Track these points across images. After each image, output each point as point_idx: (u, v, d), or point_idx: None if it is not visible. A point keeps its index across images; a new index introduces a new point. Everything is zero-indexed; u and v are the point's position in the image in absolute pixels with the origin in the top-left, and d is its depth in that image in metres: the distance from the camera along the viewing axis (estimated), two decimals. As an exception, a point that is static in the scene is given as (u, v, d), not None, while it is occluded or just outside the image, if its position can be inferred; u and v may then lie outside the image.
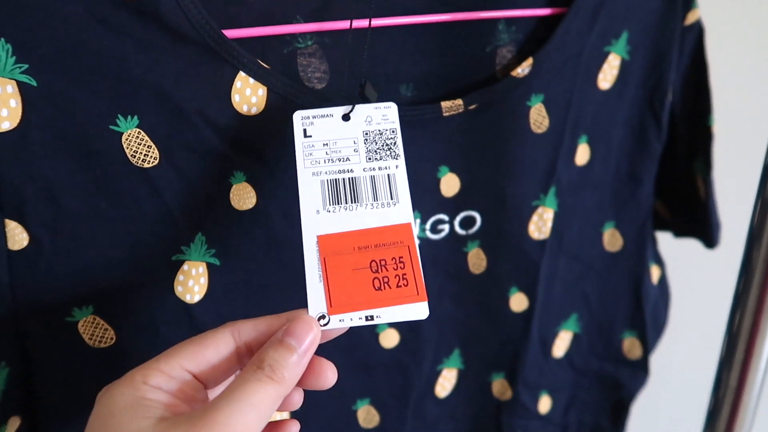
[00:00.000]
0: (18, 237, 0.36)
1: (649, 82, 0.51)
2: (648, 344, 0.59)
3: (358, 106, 0.38)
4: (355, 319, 0.34)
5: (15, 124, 0.35)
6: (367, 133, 0.38)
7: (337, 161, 0.38)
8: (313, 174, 0.37)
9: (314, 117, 0.38)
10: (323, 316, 0.34)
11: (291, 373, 0.31)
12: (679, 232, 0.61)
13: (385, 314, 0.35)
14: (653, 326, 0.60)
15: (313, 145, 0.38)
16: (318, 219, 0.36)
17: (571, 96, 0.48)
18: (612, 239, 0.55)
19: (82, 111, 0.35)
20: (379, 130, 0.38)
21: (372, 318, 0.35)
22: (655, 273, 0.59)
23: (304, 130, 0.38)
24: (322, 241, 0.36)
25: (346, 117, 0.38)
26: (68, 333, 0.39)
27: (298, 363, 0.31)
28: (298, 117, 0.38)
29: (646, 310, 0.58)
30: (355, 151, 0.38)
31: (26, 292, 0.38)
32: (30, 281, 0.37)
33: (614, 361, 0.59)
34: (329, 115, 0.38)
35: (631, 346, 0.59)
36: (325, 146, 0.38)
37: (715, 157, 0.55)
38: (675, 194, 0.57)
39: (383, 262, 0.36)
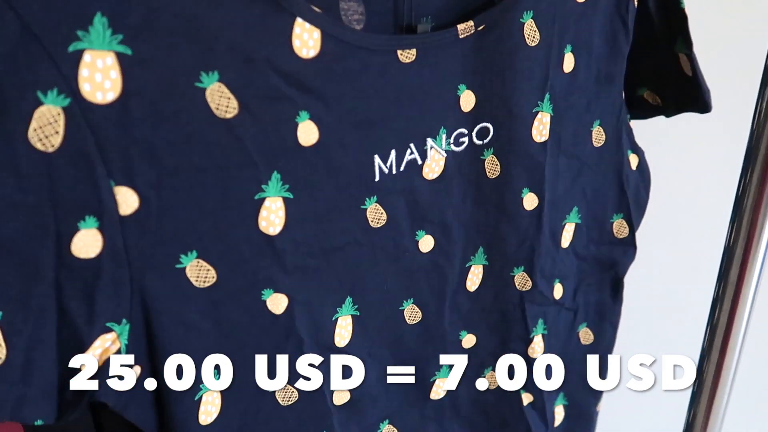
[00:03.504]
0: (129, 201, 0.40)
1: None
2: (633, 223, 0.68)
3: None
4: None
5: (117, 95, 0.38)
6: None
7: None
8: None
9: None
10: None
11: None
12: (672, 111, 0.67)
13: None
14: (636, 207, 0.68)
15: None
16: None
17: (555, 10, 0.54)
18: (598, 135, 0.63)
19: (170, 72, 0.39)
20: None
21: None
22: (633, 160, 0.67)
23: None
24: None
25: None
26: (179, 279, 0.43)
27: None
28: None
29: (629, 194, 0.67)
30: None
31: (140, 251, 0.41)
32: (142, 240, 0.41)
33: (608, 243, 0.68)
34: None
35: (619, 227, 0.68)
36: None
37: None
38: (663, 78, 0.64)
39: None
